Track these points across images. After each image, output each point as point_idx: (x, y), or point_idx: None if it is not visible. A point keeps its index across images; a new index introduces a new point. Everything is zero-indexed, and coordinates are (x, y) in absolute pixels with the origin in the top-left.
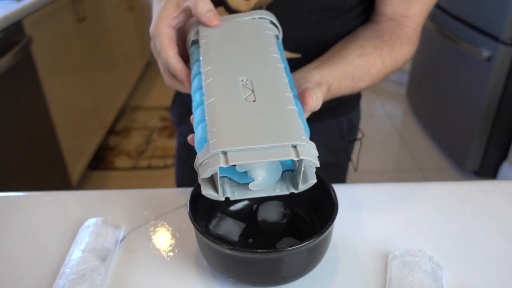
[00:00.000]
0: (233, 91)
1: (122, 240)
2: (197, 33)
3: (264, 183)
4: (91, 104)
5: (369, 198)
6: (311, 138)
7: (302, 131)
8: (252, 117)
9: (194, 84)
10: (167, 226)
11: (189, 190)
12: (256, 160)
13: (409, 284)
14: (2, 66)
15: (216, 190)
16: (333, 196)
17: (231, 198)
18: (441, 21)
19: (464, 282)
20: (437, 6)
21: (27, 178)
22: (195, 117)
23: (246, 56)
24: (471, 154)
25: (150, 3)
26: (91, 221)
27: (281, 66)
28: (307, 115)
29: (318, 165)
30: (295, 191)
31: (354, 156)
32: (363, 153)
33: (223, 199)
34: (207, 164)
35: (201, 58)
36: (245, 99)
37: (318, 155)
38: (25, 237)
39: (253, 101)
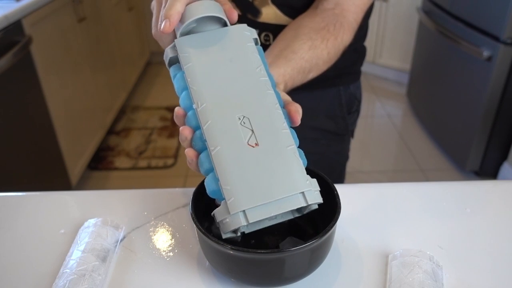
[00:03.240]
0: (235, 134)
1: (122, 240)
2: (174, 48)
3: (276, 218)
4: (91, 104)
5: (369, 198)
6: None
7: (305, 174)
8: (260, 167)
9: (189, 119)
10: (167, 226)
11: (189, 190)
12: (273, 213)
13: (409, 284)
14: (2, 66)
15: (235, 232)
16: (336, 196)
17: (246, 232)
18: (441, 21)
19: (464, 282)
20: (437, 6)
21: (27, 178)
22: (202, 164)
23: (237, 85)
24: (471, 154)
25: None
26: (91, 221)
27: (271, 92)
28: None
29: (321, 201)
30: (299, 215)
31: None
32: (363, 153)
33: (240, 234)
34: (228, 223)
35: (191, 91)
36: (248, 142)
37: (320, 189)
38: (25, 237)
39: (256, 144)
